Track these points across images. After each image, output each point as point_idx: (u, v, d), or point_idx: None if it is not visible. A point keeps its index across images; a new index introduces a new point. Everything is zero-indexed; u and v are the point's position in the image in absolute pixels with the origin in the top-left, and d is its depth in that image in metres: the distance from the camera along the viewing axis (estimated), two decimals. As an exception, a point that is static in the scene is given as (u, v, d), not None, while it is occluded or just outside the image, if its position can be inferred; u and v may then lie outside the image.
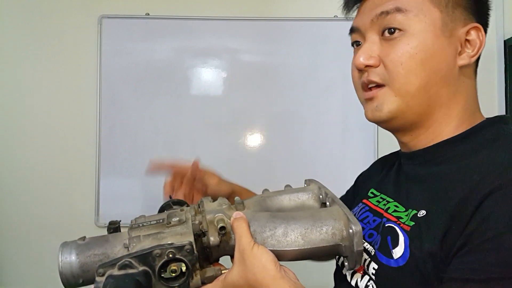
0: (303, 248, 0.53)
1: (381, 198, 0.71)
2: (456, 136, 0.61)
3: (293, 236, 0.53)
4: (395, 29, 0.60)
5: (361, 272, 0.63)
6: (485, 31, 0.64)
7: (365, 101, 0.65)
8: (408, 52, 0.59)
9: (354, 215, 0.74)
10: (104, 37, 1.97)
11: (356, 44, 0.68)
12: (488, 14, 0.65)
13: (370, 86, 0.63)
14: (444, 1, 0.60)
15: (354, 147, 1.97)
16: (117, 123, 1.97)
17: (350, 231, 0.51)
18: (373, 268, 0.60)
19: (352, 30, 0.68)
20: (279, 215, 0.56)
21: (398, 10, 0.60)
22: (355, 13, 0.70)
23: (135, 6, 1.98)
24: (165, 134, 1.98)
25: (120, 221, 0.62)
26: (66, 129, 1.99)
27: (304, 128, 2.00)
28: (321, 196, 0.62)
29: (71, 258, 0.54)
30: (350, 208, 0.80)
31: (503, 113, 1.96)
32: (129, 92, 1.97)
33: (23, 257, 1.98)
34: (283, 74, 1.99)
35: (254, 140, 2.00)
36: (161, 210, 0.69)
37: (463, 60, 0.61)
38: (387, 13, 0.60)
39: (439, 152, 0.61)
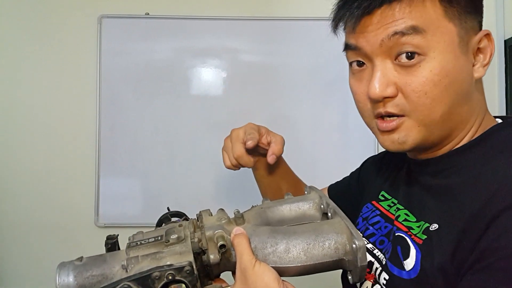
0: (305, 264, 0.51)
1: (392, 202, 0.69)
2: (466, 144, 0.58)
3: (295, 252, 0.51)
4: (413, 53, 0.53)
5: (372, 280, 0.62)
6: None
7: (382, 133, 0.59)
8: (432, 80, 0.52)
9: (366, 217, 0.73)
10: (104, 37, 1.96)
11: (357, 63, 0.60)
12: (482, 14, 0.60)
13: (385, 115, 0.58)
14: (457, 13, 0.54)
15: (354, 147, 1.97)
16: (117, 123, 1.97)
17: (354, 246, 0.50)
18: (384, 279, 0.59)
19: (350, 48, 0.59)
20: (280, 229, 0.54)
21: (415, 30, 0.52)
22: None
23: (135, 6, 1.98)
24: (165, 134, 1.98)
25: (118, 235, 0.60)
26: (66, 129, 1.98)
27: (304, 128, 1.99)
28: (322, 206, 0.60)
29: (69, 280, 0.52)
30: (358, 206, 0.79)
31: (503, 112, 1.96)
32: (129, 92, 1.97)
33: (23, 257, 1.98)
34: (283, 74, 1.99)
35: (254, 140, 2.00)
36: (159, 222, 0.68)
37: (478, 72, 0.56)
38: (402, 34, 0.52)
39: (450, 162, 0.59)
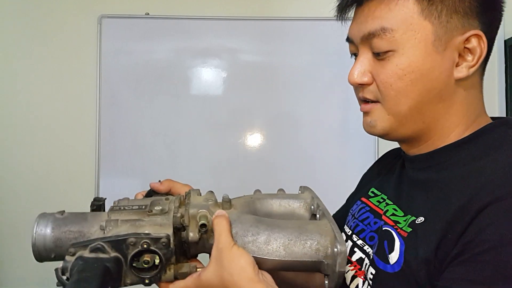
0: (283, 259, 0.51)
1: (381, 198, 0.69)
2: (458, 141, 0.59)
3: (275, 246, 0.51)
4: (385, 51, 0.57)
5: (362, 277, 0.62)
6: (494, 36, 0.60)
7: (363, 115, 0.64)
8: (397, 73, 0.56)
9: (354, 214, 0.73)
10: (104, 37, 1.97)
11: (354, 55, 0.64)
12: (496, 18, 0.60)
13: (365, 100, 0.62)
14: (436, 11, 0.55)
15: (354, 146, 1.97)
16: (117, 123, 1.97)
17: (335, 250, 0.49)
18: (371, 273, 0.59)
19: (348, 40, 0.64)
20: (265, 220, 0.54)
21: (384, 30, 0.56)
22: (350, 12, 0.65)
23: (135, 6, 1.98)
24: (165, 134, 1.98)
25: (105, 198, 0.60)
26: (66, 129, 1.99)
27: (304, 128, 2.00)
28: (312, 207, 0.60)
29: (46, 231, 0.53)
30: (348, 207, 0.79)
31: (504, 113, 1.96)
32: (129, 92, 1.97)
33: (23, 257, 1.98)
34: (283, 74, 1.99)
35: (254, 140, 2.00)
36: (149, 194, 0.67)
37: (460, 73, 0.57)
38: (373, 35, 0.57)
39: (441, 158, 0.59)
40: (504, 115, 1.91)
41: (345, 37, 0.66)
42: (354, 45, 0.62)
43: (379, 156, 0.87)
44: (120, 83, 1.97)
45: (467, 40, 0.56)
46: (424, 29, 0.55)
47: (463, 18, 0.56)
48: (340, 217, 0.81)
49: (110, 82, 1.96)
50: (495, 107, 1.95)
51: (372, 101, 0.61)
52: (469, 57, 0.57)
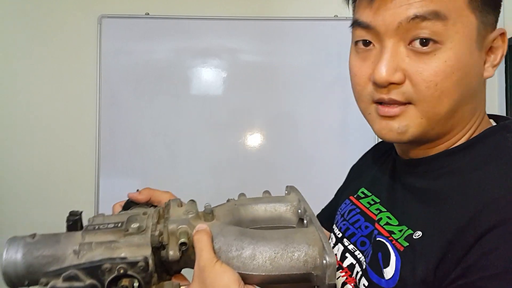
0: (270, 274, 0.48)
1: (372, 200, 0.66)
2: (455, 147, 0.55)
3: (261, 260, 0.48)
4: (428, 40, 0.49)
5: (352, 285, 0.60)
6: None
7: (380, 118, 0.54)
8: (445, 71, 0.49)
9: (343, 214, 0.70)
10: (104, 37, 1.96)
11: (363, 42, 0.54)
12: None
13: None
14: (480, 5, 0.50)
15: (354, 146, 1.97)
16: (117, 123, 1.97)
17: (324, 262, 0.47)
18: (364, 285, 0.57)
19: (360, 25, 0.54)
20: (249, 232, 0.51)
21: (437, 16, 0.48)
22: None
23: (135, 6, 1.98)
24: (165, 134, 1.98)
25: (82, 212, 0.57)
26: (66, 129, 1.98)
27: (304, 128, 2.00)
28: (299, 211, 0.57)
29: (17, 257, 0.49)
30: (337, 206, 0.76)
31: (504, 113, 1.95)
32: (129, 92, 1.97)
33: (23, 257, 1.98)
34: (283, 74, 1.99)
35: (254, 140, 2.00)
36: (127, 205, 0.65)
37: (488, 72, 0.53)
38: (423, 18, 0.48)
39: (439, 163, 0.56)
40: (504, 115, 1.91)
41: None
42: (372, 33, 0.53)
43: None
44: (120, 83, 1.97)
45: (495, 38, 0.53)
46: (471, 23, 0.50)
47: (493, 14, 0.53)
48: (330, 213, 0.78)
49: (110, 82, 1.96)
50: (495, 107, 1.95)
51: (400, 103, 0.52)
52: (491, 56, 0.54)
